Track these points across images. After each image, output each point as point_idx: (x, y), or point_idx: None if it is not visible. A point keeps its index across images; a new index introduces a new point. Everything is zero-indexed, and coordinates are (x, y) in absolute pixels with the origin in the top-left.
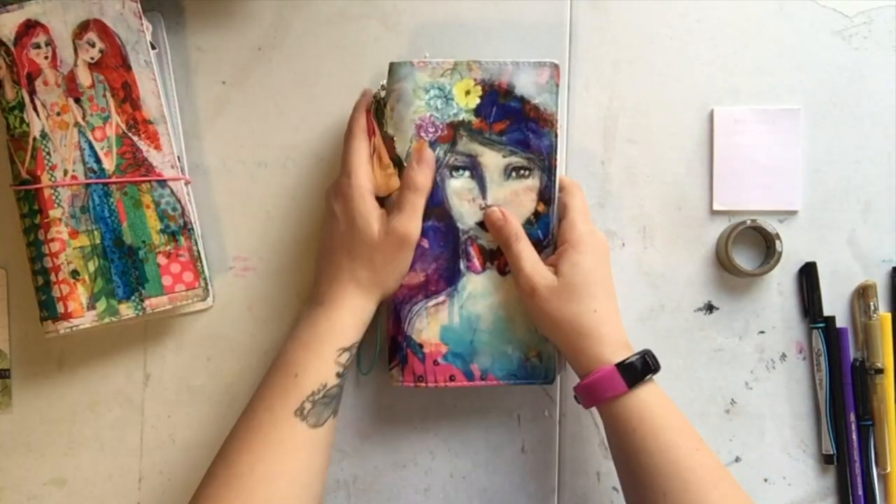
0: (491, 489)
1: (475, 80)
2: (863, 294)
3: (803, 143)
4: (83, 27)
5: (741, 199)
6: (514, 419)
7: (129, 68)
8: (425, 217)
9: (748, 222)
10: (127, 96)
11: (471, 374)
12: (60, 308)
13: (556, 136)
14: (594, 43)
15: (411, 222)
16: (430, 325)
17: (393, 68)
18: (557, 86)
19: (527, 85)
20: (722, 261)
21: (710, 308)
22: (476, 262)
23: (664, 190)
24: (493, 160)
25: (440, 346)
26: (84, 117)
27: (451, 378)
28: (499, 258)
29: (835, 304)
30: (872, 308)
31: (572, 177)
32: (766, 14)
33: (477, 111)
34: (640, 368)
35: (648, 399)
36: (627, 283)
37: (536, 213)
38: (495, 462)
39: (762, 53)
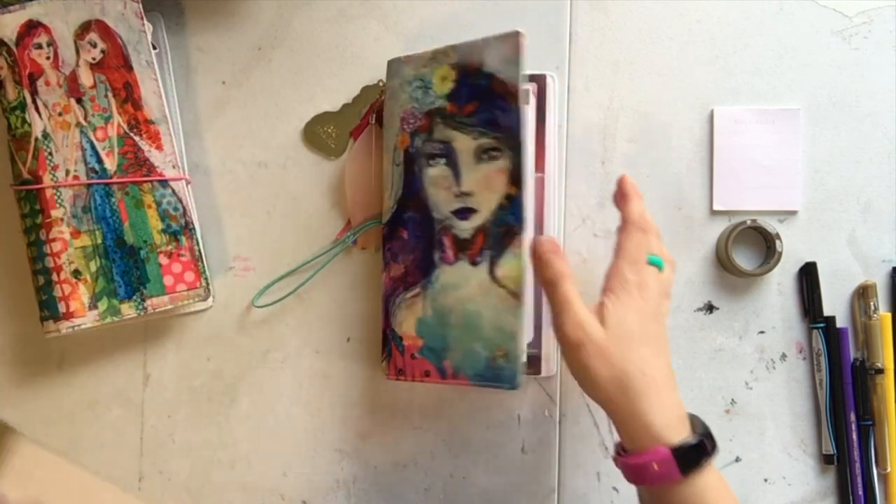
0: (491, 489)
1: (450, 64)
2: (863, 294)
3: (803, 143)
4: (85, 27)
5: (741, 199)
6: (514, 419)
7: (130, 68)
8: (406, 208)
9: (748, 222)
10: (128, 96)
11: (444, 371)
12: (62, 308)
13: (519, 109)
14: (594, 43)
15: None
16: (407, 318)
17: (388, 66)
18: (521, 56)
19: (494, 60)
20: (722, 261)
21: (710, 308)
22: (449, 253)
23: (664, 190)
24: (465, 144)
25: (416, 339)
26: (86, 117)
27: (427, 374)
28: (471, 248)
29: (835, 304)
30: (872, 308)
31: (572, 177)
32: (766, 14)
33: (450, 96)
34: (699, 453)
35: (705, 488)
36: None
37: (508, 197)
38: (495, 462)
39: (762, 53)
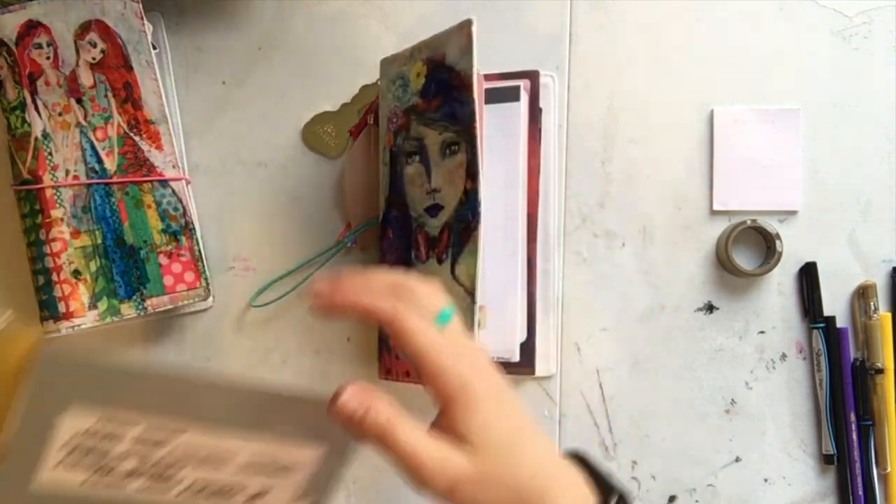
0: None
1: (422, 60)
2: (863, 294)
3: (803, 143)
4: (85, 27)
5: (741, 199)
6: None
7: (130, 68)
8: (391, 208)
9: (748, 222)
10: (128, 96)
11: None
12: (62, 308)
13: (473, 101)
14: (594, 42)
15: None
16: None
17: (380, 65)
18: (472, 45)
19: (453, 51)
20: (722, 261)
21: (710, 308)
22: (422, 251)
23: (664, 190)
24: (433, 140)
25: None
26: (86, 117)
27: (407, 374)
28: (438, 245)
29: (835, 304)
30: (872, 308)
31: (572, 177)
32: (766, 14)
33: (421, 92)
34: None
35: None
36: (627, 283)
37: (466, 191)
38: None
39: (762, 53)
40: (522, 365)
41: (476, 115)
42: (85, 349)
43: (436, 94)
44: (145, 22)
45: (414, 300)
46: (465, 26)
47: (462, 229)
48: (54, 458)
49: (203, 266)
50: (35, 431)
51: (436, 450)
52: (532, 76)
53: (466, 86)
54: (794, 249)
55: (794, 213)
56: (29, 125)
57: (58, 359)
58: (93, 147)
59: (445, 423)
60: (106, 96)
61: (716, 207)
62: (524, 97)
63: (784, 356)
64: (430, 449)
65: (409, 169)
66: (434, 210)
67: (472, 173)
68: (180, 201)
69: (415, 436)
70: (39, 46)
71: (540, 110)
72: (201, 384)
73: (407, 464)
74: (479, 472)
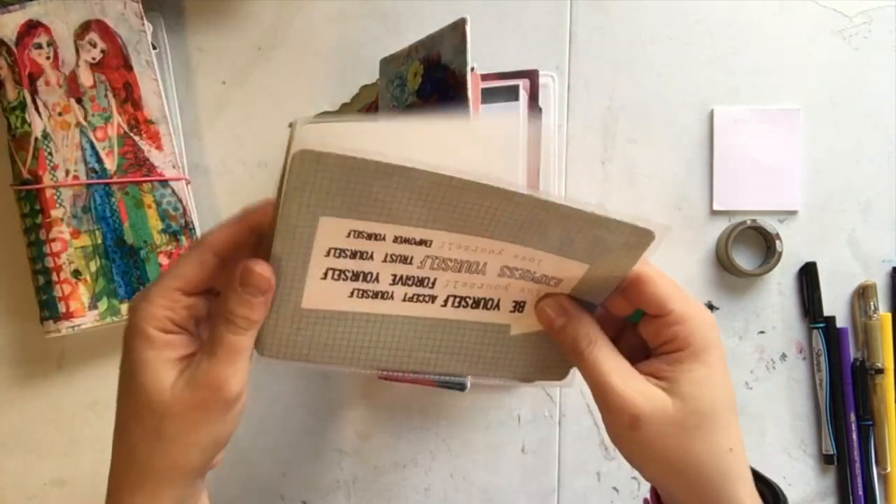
0: (491, 489)
1: (419, 59)
2: (863, 294)
3: (803, 143)
4: (85, 27)
5: (741, 199)
6: (514, 419)
7: (130, 68)
8: None
9: (748, 222)
10: (128, 96)
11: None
12: (62, 308)
13: (467, 100)
14: (594, 43)
15: (226, 369)
16: None
17: (379, 66)
18: (466, 44)
19: (448, 50)
20: (722, 261)
21: (710, 308)
22: None
23: (664, 190)
24: None
25: None
26: (86, 117)
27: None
28: None
29: (835, 304)
30: (872, 308)
31: (572, 177)
32: (766, 14)
33: (418, 92)
34: None
35: None
36: None
37: None
38: (495, 462)
39: (762, 53)
40: None
41: (470, 114)
42: (340, 146)
43: (432, 94)
44: (145, 22)
45: None
46: (459, 25)
47: None
48: (320, 267)
49: None
50: (299, 235)
51: (631, 379)
52: (531, 76)
53: (461, 85)
54: (794, 249)
55: (794, 213)
56: (29, 125)
57: (316, 155)
58: (93, 147)
59: (660, 366)
60: (106, 96)
61: (716, 207)
62: (523, 97)
63: (784, 356)
64: (626, 376)
65: None
66: None
67: None
68: (180, 201)
69: (612, 359)
70: (39, 46)
71: (540, 110)
72: (472, 187)
73: (596, 382)
74: (674, 421)
